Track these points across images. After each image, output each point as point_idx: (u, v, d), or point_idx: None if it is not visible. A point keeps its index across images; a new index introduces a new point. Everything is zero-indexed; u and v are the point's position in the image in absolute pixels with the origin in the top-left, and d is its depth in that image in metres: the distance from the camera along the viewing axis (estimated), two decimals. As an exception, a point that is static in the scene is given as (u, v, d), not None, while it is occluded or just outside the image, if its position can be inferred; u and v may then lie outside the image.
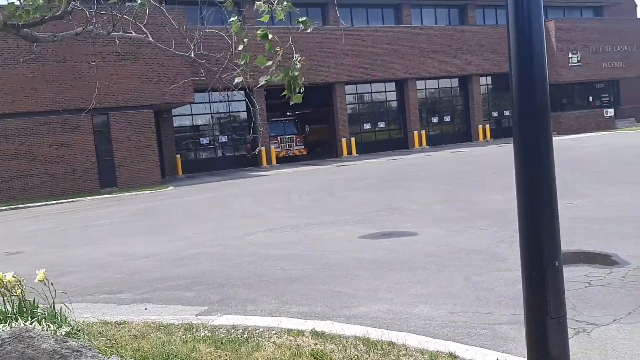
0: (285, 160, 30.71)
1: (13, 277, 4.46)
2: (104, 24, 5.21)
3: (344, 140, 31.55)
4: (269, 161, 29.68)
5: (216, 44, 5.83)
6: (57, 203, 20.52)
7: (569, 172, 14.78)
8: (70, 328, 4.23)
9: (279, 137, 31.19)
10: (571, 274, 5.95)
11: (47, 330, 3.88)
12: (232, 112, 30.97)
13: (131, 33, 5.13)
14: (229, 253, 8.89)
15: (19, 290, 4.47)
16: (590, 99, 38.80)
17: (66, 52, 22.01)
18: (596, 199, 10.79)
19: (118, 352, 4.29)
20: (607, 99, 39.35)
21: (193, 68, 23.48)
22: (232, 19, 3.71)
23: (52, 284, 4.51)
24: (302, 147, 31.99)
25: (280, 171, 26.04)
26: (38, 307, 4.50)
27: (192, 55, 4.88)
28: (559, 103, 37.34)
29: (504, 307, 5.30)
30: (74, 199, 21.09)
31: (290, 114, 35.00)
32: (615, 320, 4.73)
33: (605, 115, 37.35)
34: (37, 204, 20.56)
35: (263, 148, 29.44)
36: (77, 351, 3.12)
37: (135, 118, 23.56)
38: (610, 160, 18.08)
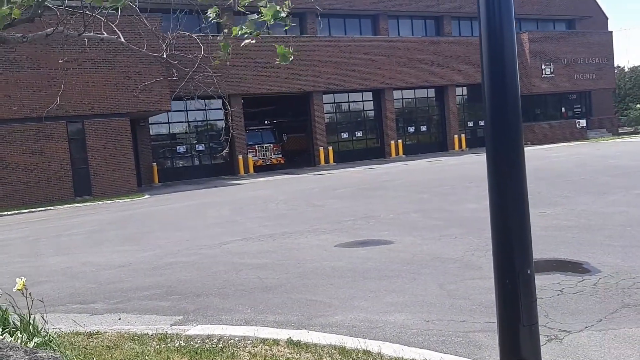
0: (263, 169, 30.64)
1: (-17, 286, 4.37)
2: (75, 25, 5.15)
3: (321, 149, 31.62)
4: (246, 170, 29.59)
5: (189, 46, 5.82)
6: (30, 212, 20.16)
7: (542, 181, 15.01)
8: (42, 339, 4.15)
9: (256, 146, 31.12)
10: (544, 282, 6.04)
11: (18, 341, 3.80)
12: (209, 120, 30.83)
13: (103, 34, 5.08)
14: (205, 262, 8.83)
15: (-10, 300, 4.38)
16: (563, 109, 39.56)
17: (41, 59, 21.73)
18: (568, 208, 10.97)
19: (90, 363, 4.22)
20: (579, 109, 40.15)
21: (169, 75, 23.36)
22: (219, 37, 3.71)
23: (30, 293, 4.42)
24: (280, 155, 31.97)
25: (257, 180, 25.97)
26: (9, 316, 4.41)
27: (165, 55, 4.85)
28: (532, 113, 37.99)
29: (478, 314, 5.35)
30: (48, 208, 20.74)
31: (267, 122, 34.98)
32: (586, 327, 4.81)
33: (577, 126, 38.06)
34: (9, 212, 20.16)
35: (241, 156, 29.33)
36: (48, 362, 3.07)
37: (111, 126, 23.31)
38: (582, 169, 18.42)
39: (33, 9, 3.14)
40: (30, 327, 4.33)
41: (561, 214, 10.37)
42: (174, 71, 5.07)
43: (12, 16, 3.16)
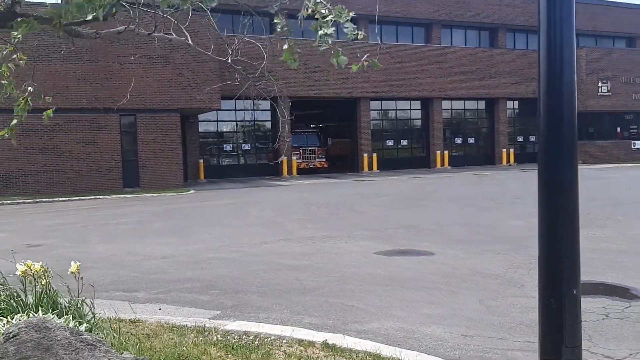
0: (306, 172, 30.77)
1: (41, 267, 4.55)
2: (145, 24, 5.32)
3: (365, 155, 31.54)
4: (289, 172, 29.78)
5: (250, 52, 5.92)
6: (80, 199, 20.82)
7: (592, 202, 14.58)
8: (87, 323, 4.29)
9: (301, 149, 31.28)
10: (589, 305, 5.87)
11: (65, 323, 3.94)
12: (256, 121, 31.19)
13: (172, 34, 5.24)
14: (245, 260, 8.93)
15: (44, 281, 4.55)
16: (618, 129, 38.29)
17: (99, 53, 22.44)
18: (619, 231, 10.63)
19: (130, 349, 4.33)
20: (636, 130, 38.79)
21: (222, 74, 23.75)
22: (284, 47, 3.74)
23: (82, 278, 4.56)
24: (324, 159, 32.02)
25: (300, 182, 26.11)
26: (58, 299, 4.57)
27: (229, 60, 4.95)
28: (586, 131, 36.90)
29: (518, 333, 5.25)
30: (97, 196, 21.38)
31: (313, 126, 35.12)
32: (631, 354, 4.65)
33: (632, 147, 36.80)
34: (60, 198, 20.87)
35: (285, 158, 29.56)
36: (91, 345, 3.17)
37: (162, 121, 23.86)
38: (636, 193, 17.79)
39: (108, 8, 3.26)
40: (78, 311, 4.47)
41: (611, 237, 10.05)
42: (237, 76, 5.16)
43: (92, 15, 3.29)
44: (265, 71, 4.84)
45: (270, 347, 4.67)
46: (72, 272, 4.49)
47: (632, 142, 37.06)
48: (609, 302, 6.16)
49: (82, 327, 4.04)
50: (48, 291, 4.53)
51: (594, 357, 4.58)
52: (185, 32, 5.08)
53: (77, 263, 4.56)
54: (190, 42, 5.08)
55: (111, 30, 4.89)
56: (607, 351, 4.73)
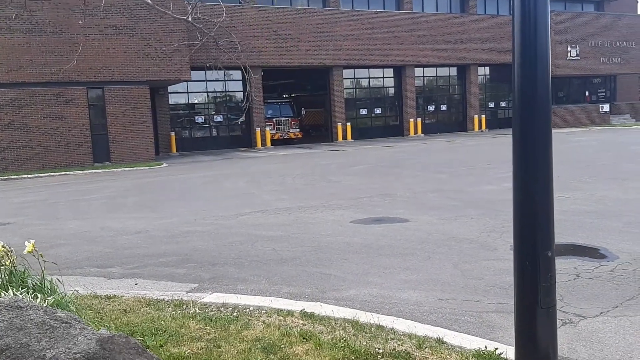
0: (280, 143, 30.62)
1: (2, 247, 4.44)
2: None
3: (339, 125, 31.48)
4: (263, 143, 29.60)
5: (210, 14, 5.79)
6: (49, 175, 20.42)
7: (562, 165, 14.83)
8: (59, 300, 4.22)
9: (274, 119, 31.06)
10: (560, 266, 5.99)
11: (37, 301, 3.87)
12: (228, 91, 30.78)
13: None
14: (221, 232, 8.90)
15: (8, 261, 4.45)
16: (587, 93, 38.85)
17: (63, 25, 21.78)
18: (588, 193, 10.85)
19: (107, 325, 4.29)
20: (603, 94, 39.41)
21: (190, 43, 23.30)
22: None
23: (41, 255, 4.48)
24: (298, 130, 31.88)
25: (274, 153, 25.99)
26: (28, 278, 4.48)
27: (190, 18, 4.83)
28: (555, 96, 37.34)
29: (492, 295, 5.34)
30: (67, 172, 21.00)
31: (286, 96, 34.84)
32: (602, 312, 4.78)
33: (600, 110, 37.41)
34: (29, 175, 20.45)
35: (258, 129, 29.33)
36: (66, 323, 3.12)
37: (130, 93, 23.38)
38: (604, 155, 18.15)
39: None
40: (48, 288, 4.40)
41: (580, 199, 10.25)
42: (198, 35, 5.04)
43: None
44: (225, 29, 4.72)
45: (249, 318, 4.68)
46: (28, 252, 4.39)
47: (600, 105, 37.67)
48: (579, 262, 6.31)
49: (47, 301, 3.97)
50: (14, 270, 4.43)
51: (566, 317, 4.70)
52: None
53: (32, 242, 4.45)
54: (149, 0, 4.94)
55: None
56: (579, 310, 4.85)
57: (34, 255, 4.51)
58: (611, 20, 37.36)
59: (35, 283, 4.47)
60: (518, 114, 2.73)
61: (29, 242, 4.48)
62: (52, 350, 2.73)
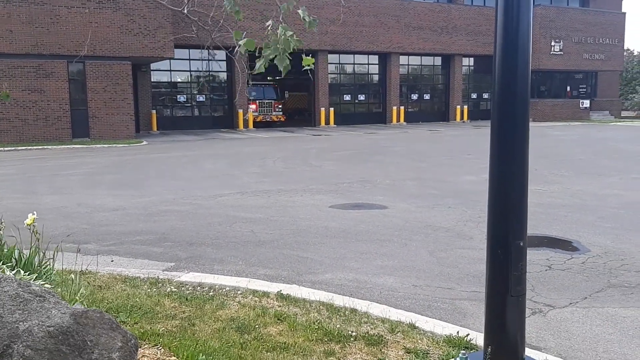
0: (263, 125, 30.48)
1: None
2: None
3: (322, 109, 31.42)
4: (245, 125, 29.45)
5: (205, 5, 5.74)
6: (26, 149, 20.11)
7: (540, 159, 15.03)
8: (36, 274, 4.20)
9: (257, 101, 30.88)
10: (533, 257, 6.11)
11: (14, 274, 3.85)
12: (212, 71, 30.47)
13: None
14: (199, 212, 8.88)
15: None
16: (568, 88, 39.24)
17: (44, -5, 21.31)
18: (564, 187, 11.02)
19: (81, 301, 4.28)
20: (585, 90, 39.84)
21: (175, 22, 22.97)
22: None
23: (36, 231, 4.41)
24: (281, 113, 31.74)
25: (256, 135, 25.89)
26: (4, 251, 4.44)
27: (185, 11, 4.76)
28: (537, 90, 37.70)
29: (465, 283, 5.44)
30: (45, 147, 20.70)
31: (270, 78, 34.62)
32: (571, 303, 4.90)
33: (581, 106, 37.87)
34: (6, 148, 20.11)
35: (241, 111, 29.14)
36: (40, 296, 3.11)
37: (112, 69, 23.03)
38: (582, 150, 18.42)
39: None
40: (25, 262, 4.37)
41: (556, 192, 10.42)
42: (194, 28, 4.97)
43: None
44: (223, 21, 4.68)
45: (225, 298, 4.70)
46: (28, 225, 4.35)
47: (581, 101, 38.12)
48: (552, 254, 6.43)
49: (27, 277, 3.95)
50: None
51: (537, 306, 4.80)
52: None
53: (34, 215, 4.40)
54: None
55: None
56: (549, 300, 4.96)
57: (28, 229, 4.43)
58: (595, 16, 37.68)
59: (21, 258, 4.40)
60: (497, 106, 2.77)
61: (33, 214, 4.41)
62: (25, 323, 2.72)
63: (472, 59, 36.69)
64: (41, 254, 4.51)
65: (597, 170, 13.38)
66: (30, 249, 4.47)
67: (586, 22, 37.08)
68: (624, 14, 39.75)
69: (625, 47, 41.95)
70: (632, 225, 7.80)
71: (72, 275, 5.16)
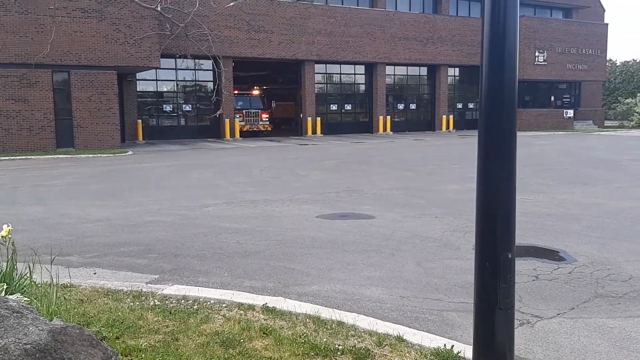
0: (249, 135, 30.41)
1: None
2: None
3: (309, 119, 31.43)
4: (232, 134, 29.36)
5: (181, 2, 5.69)
6: (10, 159, 19.85)
7: (525, 168, 15.10)
8: (14, 288, 4.10)
9: (244, 111, 30.81)
10: (520, 267, 6.09)
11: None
12: (198, 81, 30.38)
13: None
14: (185, 223, 8.78)
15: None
16: (552, 98, 39.63)
17: (29, 4, 21.14)
18: (550, 196, 11.07)
19: (61, 315, 4.18)
20: (568, 100, 40.26)
21: (160, 30, 22.89)
22: None
23: (13, 242, 4.31)
24: (267, 123, 31.71)
25: (242, 145, 25.81)
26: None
27: (159, 8, 4.70)
28: (522, 99, 38.01)
29: (453, 294, 5.40)
30: (28, 157, 20.45)
31: (257, 88, 34.61)
32: (558, 314, 4.88)
33: (565, 115, 38.25)
34: (-13, 158, 19.84)
35: (227, 120, 29.06)
36: (17, 312, 3.02)
37: (97, 78, 22.86)
38: (566, 160, 18.56)
39: None
40: (11, 277, 4.26)
41: (542, 202, 10.45)
42: (168, 25, 4.91)
43: None
44: (195, 18, 4.62)
45: (210, 312, 4.62)
46: (3, 237, 4.25)
47: (565, 110, 38.51)
48: (539, 264, 6.42)
49: (10, 292, 3.85)
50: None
51: (524, 317, 4.77)
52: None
53: (10, 226, 4.31)
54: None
55: None
56: (536, 311, 4.93)
57: (3, 241, 4.34)
58: (578, 27, 38.18)
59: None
60: (484, 115, 2.75)
61: (8, 225, 4.31)
62: (1, 340, 2.63)
63: (457, 69, 36.97)
64: (20, 267, 4.39)
65: (582, 180, 13.46)
66: (7, 262, 4.36)
67: (569, 32, 37.55)
68: (607, 25, 40.29)
69: (607, 58, 42.48)
70: (617, 235, 7.83)
71: (53, 289, 5.05)
